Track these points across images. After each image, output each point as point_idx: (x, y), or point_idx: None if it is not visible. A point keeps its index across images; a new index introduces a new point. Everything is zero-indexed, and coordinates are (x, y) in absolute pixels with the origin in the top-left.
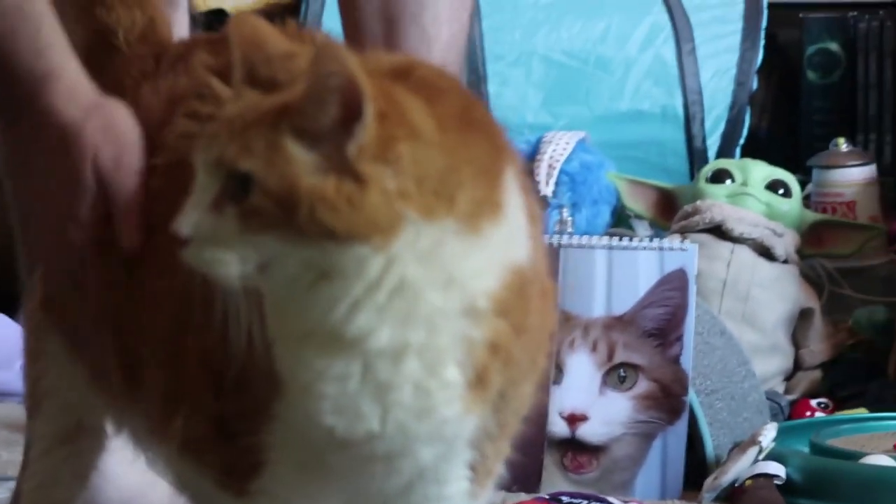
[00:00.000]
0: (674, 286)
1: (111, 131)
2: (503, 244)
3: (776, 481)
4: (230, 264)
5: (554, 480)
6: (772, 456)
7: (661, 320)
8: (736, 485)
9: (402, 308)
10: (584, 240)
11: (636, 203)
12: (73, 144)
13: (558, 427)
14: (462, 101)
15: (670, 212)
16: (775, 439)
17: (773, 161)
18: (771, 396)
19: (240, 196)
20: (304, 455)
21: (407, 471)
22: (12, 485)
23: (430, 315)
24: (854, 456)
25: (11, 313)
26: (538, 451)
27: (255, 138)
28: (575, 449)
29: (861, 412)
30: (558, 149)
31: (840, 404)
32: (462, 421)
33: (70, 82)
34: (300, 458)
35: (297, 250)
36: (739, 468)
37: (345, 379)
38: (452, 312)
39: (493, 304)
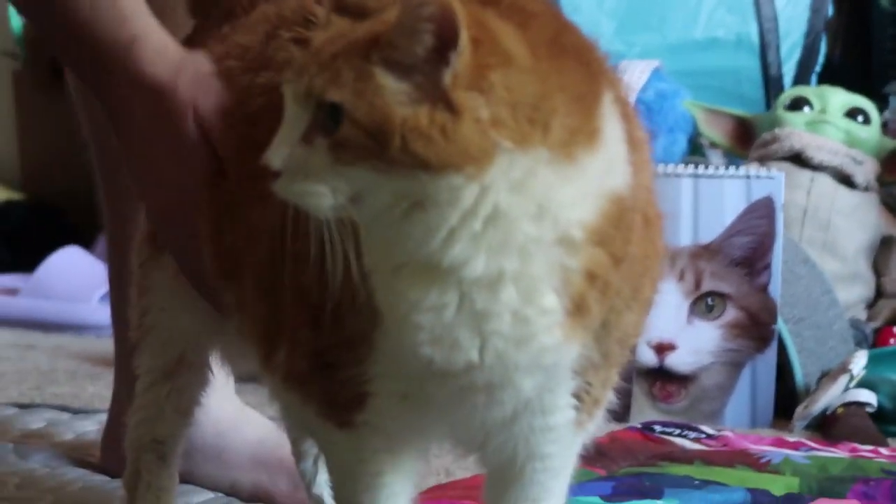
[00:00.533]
0: (761, 214)
1: (203, 81)
2: (600, 173)
3: (868, 409)
4: (322, 196)
5: (643, 410)
6: (862, 384)
7: (749, 248)
8: (827, 413)
9: (496, 237)
10: (670, 168)
11: (713, 131)
12: (170, 104)
13: (647, 356)
14: (555, 26)
15: (747, 140)
16: (865, 367)
17: (847, 89)
18: (854, 324)
19: (330, 127)
20: (406, 386)
21: (509, 401)
22: (101, 417)
23: (525, 244)
24: None
25: (88, 246)
26: (626, 381)
27: (345, 68)
28: (664, 378)
29: None
30: (633, 78)
31: None
32: (561, 349)
33: (156, 44)
34: (402, 390)
35: (390, 181)
36: (831, 396)
37: (441, 309)
38: (547, 241)
39: (588, 234)
